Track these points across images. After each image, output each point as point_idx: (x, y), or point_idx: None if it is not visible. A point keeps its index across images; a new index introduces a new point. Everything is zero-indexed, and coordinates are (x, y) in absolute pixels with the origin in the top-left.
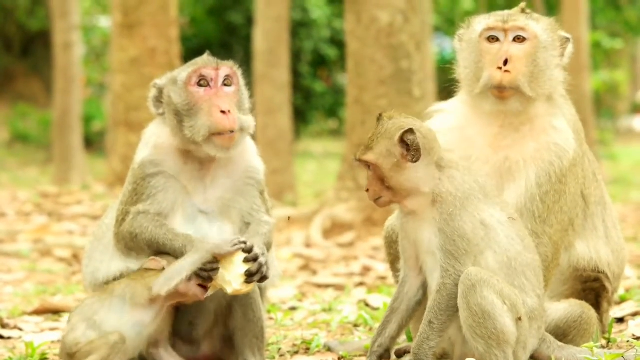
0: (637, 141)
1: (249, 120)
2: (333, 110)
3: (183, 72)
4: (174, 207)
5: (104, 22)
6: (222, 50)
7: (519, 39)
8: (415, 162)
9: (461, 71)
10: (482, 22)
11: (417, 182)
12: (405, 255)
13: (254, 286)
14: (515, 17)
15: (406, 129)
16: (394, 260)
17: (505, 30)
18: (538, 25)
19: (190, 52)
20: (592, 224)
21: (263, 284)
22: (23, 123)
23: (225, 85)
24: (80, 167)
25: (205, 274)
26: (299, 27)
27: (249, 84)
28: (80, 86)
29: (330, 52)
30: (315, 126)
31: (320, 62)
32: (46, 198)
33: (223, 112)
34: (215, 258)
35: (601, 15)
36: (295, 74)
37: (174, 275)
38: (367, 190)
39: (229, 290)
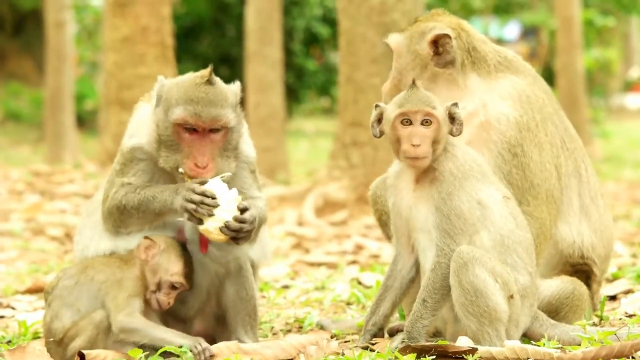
0: (630, 119)
1: (227, 166)
2: (325, 88)
3: (176, 107)
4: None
5: (96, 0)
6: (214, 29)
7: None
8: (459, 134)
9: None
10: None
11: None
12: (398, 234)
13: (226, 239)
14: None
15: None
16: (380, 216)
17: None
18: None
19: (182, 30)
20: (567, 197)
21: (248, 254)
22: (15, 102)
23: (213, 131)
24: (73, 146)
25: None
26: (291, 5)
27: (241, 63)
28: (72, 65)
29: (323, 30)
30: (308, 104)
31: (312, 40)
32: (38, 177)
33: (198, 166)
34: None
35: None
36: (288, 52)
37: None
38: (417, 145)
39: (201, 227)
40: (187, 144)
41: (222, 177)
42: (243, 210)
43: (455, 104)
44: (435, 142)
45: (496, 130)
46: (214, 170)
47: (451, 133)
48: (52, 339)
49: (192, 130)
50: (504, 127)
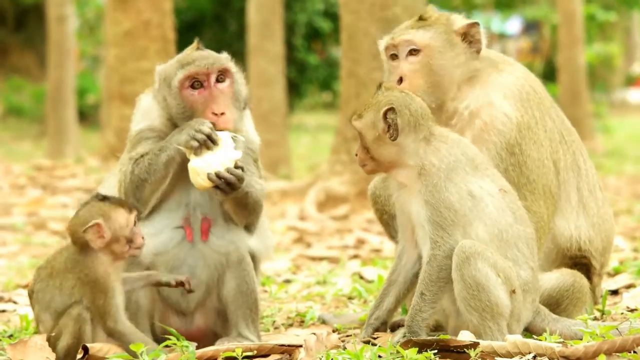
0: (631, 114)
1: (240, 119)
2: (327, 83)
3: (175, 75)
4: (168, 172)
5: None
6: (216, 23)
7: (414, 52)
8: (394, 140)
9: None
10: (381, 43)
11: (398, 156)
12: (402, 228)
13: (209, 187)
14: (403, 31)
15: (389, 107)
16: (381, 216)
17: (396, 47)
18: (427, 34)
19: (184, 25)
20: (565, 191)
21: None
22: (17, 96)
23: (219, 81)
24: (74, 141)
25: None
26: None
27: (243, 57)
28: (74, 59)
29: (324, 24)
30: (309, 99)
31: (314, 35)
32: (40, 171)
33: (216, 114)
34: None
35: None
36: (289, 46)
37: None
38: (357, 155)
39: (191, 164)
40: (199, 102)
41: (233, 137)
42: (238, 168)
43: (392, 109)
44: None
45: (498, 132)
46: (232, 120)
47: (387, 136)
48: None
49: (199, 86)
50: (505, 129)
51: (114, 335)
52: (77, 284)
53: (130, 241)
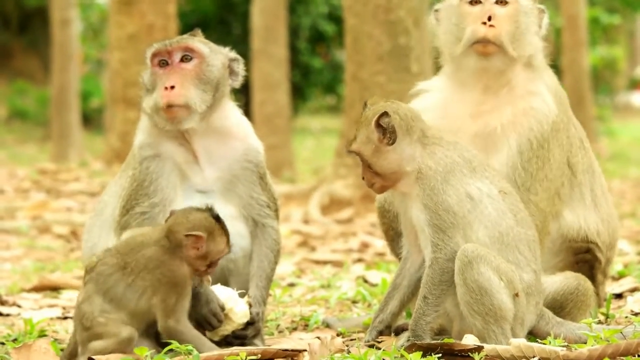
0: (635, 117)
1: (203, 100)
2: (331, 86)
3: (148, 53)
4: (175, 190)
5: None
6: (220, 27)
7: (501, 2)
8: (392, 144)
9: (442, 38)
10: None
11: (398, 163)
12: (406, 232)
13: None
14: None
15: (380, 112)
16: (387, 230)
17: None
18: None
19: (188, 28)
20: (579, 193)
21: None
22: (21, 100)
23: (184, 61)
24: (78, 144)
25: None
26: (297, 3)
27: (247, 61)
28: (78, 63)
29: (328, 28)
30: (313, 102)
31: (318, 38)
32: (44, 175)
33: (166, 87)
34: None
35: None
36: (293, 50)
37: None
38: (364, 178)
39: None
40: (160, 78)
41: (240, 293)
42: (248, 324)
43: (384, 114)
44: None
45: (537, 121)
46: (183, 95)
47: (385, 143)
48: (79, 320)
49: (165, 64)
50: (544, 121)
51: (171, 333)
52: (154, 283)
53: (209, 266)
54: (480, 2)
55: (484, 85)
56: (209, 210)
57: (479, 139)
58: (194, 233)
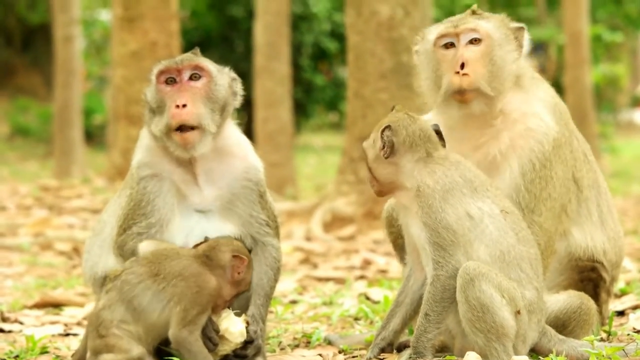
0: (638, 134)
1: (212, 120)
2: (333, 103)
3: (154, 70)
4: (173, 210)
5: (105, 15)
6: (223, 44)
7: (473, 41)
8: (387, 158)
9: (423, 83)
10: (434, 31)
11: (396, 176)
12: (409, 249)
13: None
14: (466, 20)
15: (386, 125)
16: (395, 240)
17: (457, 35)
18: (489, 24)
19: (190, 46)
20: (586, 209)
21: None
22: (23, 117)
23: (193, 79)
24: (81, 161)
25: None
26: (300, 20)
27: (250, 78)
28: (81, 80)
29: (331, 45)
30: (316, 119)
31: (320, 56)
32: (47, 192)
33: (177, 106)
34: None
35: (601, 9)
36: (296, 67)
37: None
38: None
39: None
40: (169, 96)
41: (236, 312)
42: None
43: (388, 127)
44: None
45: (537, 141)
46: (195, 114)
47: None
48: (94, 325)
49: (173, 82)
50: (545, 140)
51: (181, 342)
52: (184, 291)
53: (235, 296)
54: (454, 45)
55: (475, 124)
56: (244, 242)
57: (481, 169)
58: (240, 255)
